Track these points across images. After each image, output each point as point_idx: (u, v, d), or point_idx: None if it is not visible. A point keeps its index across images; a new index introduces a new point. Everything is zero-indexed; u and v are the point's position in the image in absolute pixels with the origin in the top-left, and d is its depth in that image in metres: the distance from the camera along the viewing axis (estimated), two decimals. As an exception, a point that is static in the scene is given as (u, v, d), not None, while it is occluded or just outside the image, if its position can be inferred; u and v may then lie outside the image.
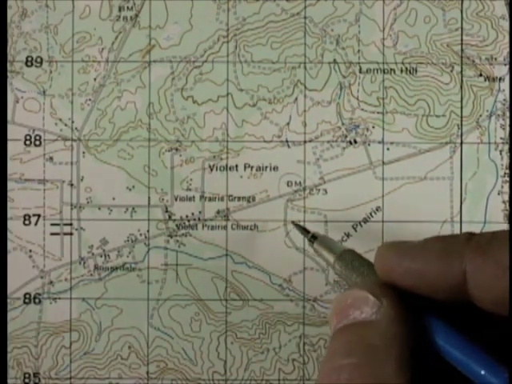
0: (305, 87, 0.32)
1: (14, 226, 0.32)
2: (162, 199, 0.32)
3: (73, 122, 0.32)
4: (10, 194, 0.32)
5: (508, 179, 0.31)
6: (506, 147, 0.31)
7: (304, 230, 0.29)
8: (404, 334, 0.16)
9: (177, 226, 0.32)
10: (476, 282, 0.16)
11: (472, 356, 0.16)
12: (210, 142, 0.32)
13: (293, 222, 0.31)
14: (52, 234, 0.32)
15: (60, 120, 0.32)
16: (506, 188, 0.31)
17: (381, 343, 0.16)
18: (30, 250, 0.32)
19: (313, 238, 0.27)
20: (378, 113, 0.32)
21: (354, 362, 0.15)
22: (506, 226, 0.31)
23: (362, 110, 0.32)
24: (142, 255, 0.32)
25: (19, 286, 0.32)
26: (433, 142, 0.31)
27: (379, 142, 0.32)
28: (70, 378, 0.32)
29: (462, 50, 0.31)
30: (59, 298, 0.32)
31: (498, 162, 0.31)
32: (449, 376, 0.16)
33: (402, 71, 0.32)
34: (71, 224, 0.32)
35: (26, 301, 0.32)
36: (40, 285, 0.32)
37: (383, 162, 0.32)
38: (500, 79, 0.31)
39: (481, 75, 0.31)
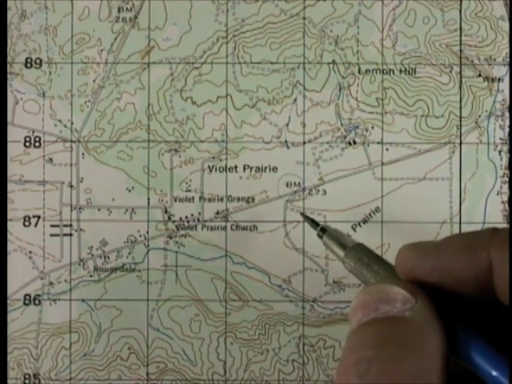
0: (304, 88, 0.32)
1: (14, 227, 0.32)
2: (162, 200, 0.32)
3: (72, 123, 0.32)
4: (9, 196, 0.32)
5: (507, 179, 0.31)
6: (505, 147, 0.31)
7: (313, 223, 0.28)
8: (438, 334, 0.16)
9: (176, 226, 0.32)
10: (501, 275, 0.16)
11: (488, 358, 0.16)
12: (209, 143, 0.32)
13: (302, 214, 0.30)
14: (52, 235, 0.32)
15: (59, 121, 0.32)
16: (506, 188, 0.31)
17: (416, 340, 0.16)
18: (30, 252, 0.32)
19: (322, 231, 0.26)
20: (377, 113, 0.32)
21: (388, 355, 0.15)
22: (505, 227, 0.31)
23: (361, 110, 0.32)
24: (142, 256, 0.32)
25: (19, 288, 0.32)
26: (432, 142, 0.31)
27: (378, 143, 0.32)
28: (70, 379, 0.32)
29: (460, 50, 0.31)
30: (59, 299, 0.32)
31: (497, 163, 0.31)
32: (463, 377, 0.17)
33: (401, 72, 0.32)
34: (71, 225, 0.32)
35: (26, 302, 0.32)
36: (40, 286, 0.32)
37: (382, 163, 0.32)
38: (499, 80, 0.31)
39: (480, 75, 0.31)
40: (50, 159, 0.32)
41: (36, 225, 0.32)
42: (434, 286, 0.17)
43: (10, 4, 0.32)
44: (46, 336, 0.32)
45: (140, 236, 0.32)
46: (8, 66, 0.32)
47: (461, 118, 0.31)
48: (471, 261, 0.16)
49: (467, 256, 0.17)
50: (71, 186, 0.32)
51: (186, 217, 0.32)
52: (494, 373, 0.15)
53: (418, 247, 0.18)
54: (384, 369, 0.15)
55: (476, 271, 0.16)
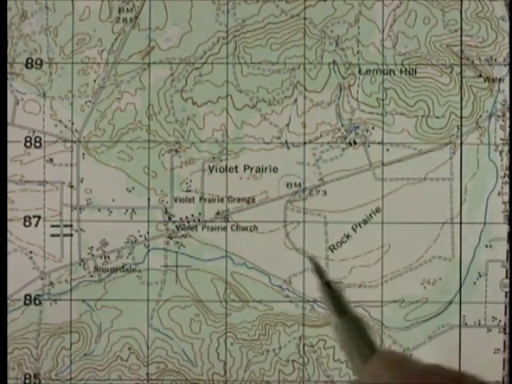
0: (304, 88, 0.32)
1: (14, 227, 0.32)
2: (162, 200, 0.32)
3: (73, 123, 0.32)
4: (10, 196, 0.32)
5: (508, 180, 0.31)
6: (506, 148, 0.31)
7: (319, 272, 0.27)
8: None
9: (176, 227, 0.32)
10: None
11: None
12: (209, 144, 0.32)
13: (310, 258, 0.30)
14: (52, 235, 0.32)
15: (60, 121, 0.32)
16: (506, 189, 0.31)
17: None
18: (31, 252, 0.32)
19: (326, 285, 0.25)
20: (377, 114, 0.32)
21: None
22: (506, 227, 0.31)
23: (362, 111, 0.32)
24: (142, 256, 0.32)
25: (19, 288, 0.32)
26: (432, 142, 0.31)
27: (379, 143, 0.32)
28: (70, 380, 0.32)
29: (461, 50, 0.31)
30: (59, 300, 0.32)
31: (497, 163, 0.31)
32: None
33: (401, 72, 0.31)
34: (71, 225, 0.32)
35: (27, 302, 0.32)
36: (40, 286, 0.32)
37: (383, 163, 0.32)
38: (500, 80, 0.31)
39: (480, 76, 0.31)
40: (51, 159, 0.32)
41: (36, 225, 0.32)
42: None
43: (10, 4, 0.32)
44: (46, 336, 0.32)
45: (140, 236, 0.32)
46: (8, 66, 0.32)
47: (461, 118, 0.31)
48: None
49: None
50: (71, 187, 0.32)
51: (187, 217, 0.32)
52: None
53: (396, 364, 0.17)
54: None
55: None
